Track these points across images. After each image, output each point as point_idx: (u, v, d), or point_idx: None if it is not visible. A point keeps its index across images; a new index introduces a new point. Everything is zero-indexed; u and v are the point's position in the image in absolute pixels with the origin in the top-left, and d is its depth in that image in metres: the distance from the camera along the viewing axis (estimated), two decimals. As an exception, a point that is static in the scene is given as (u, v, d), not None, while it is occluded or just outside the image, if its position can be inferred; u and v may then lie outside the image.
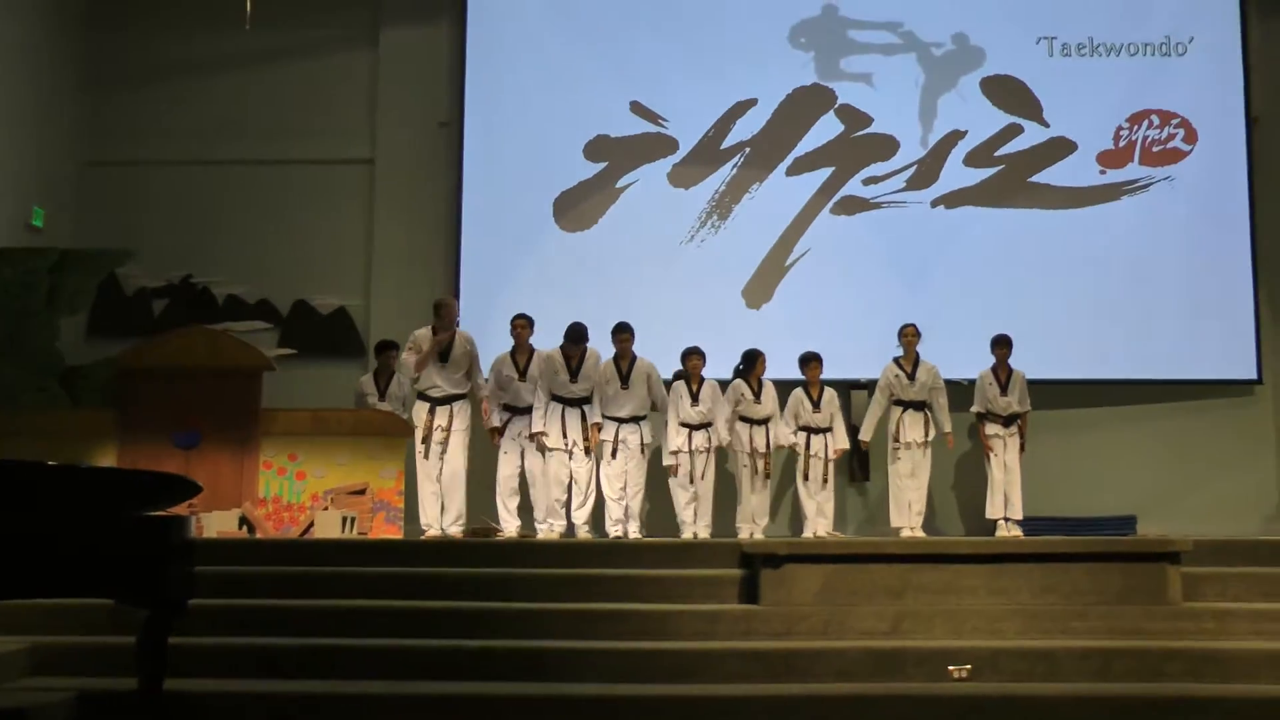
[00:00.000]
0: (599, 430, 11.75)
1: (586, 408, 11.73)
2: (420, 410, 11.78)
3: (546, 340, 11.98)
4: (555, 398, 11.73)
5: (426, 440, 11.68)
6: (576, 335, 11.80)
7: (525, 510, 11.91)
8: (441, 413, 11.72)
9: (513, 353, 11.97)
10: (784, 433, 12.25)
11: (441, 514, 11.66)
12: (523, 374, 11.83)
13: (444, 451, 11.66)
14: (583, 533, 11.70)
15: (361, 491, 11.93)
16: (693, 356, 12.00)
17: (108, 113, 14.57)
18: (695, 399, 11.90)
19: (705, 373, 12.03)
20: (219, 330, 12.89)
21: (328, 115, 14.46)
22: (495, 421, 11.85)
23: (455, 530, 11.57)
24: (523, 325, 11.94)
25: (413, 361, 11.88)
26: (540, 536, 11.56)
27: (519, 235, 14.18)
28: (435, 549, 10.46)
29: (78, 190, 14.37)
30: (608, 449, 11.81)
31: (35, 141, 13.84)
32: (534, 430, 11.69)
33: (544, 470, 11.74)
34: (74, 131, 14.43)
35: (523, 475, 11.88)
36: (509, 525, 11.73)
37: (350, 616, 9.10)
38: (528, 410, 11.77)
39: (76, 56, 14.56)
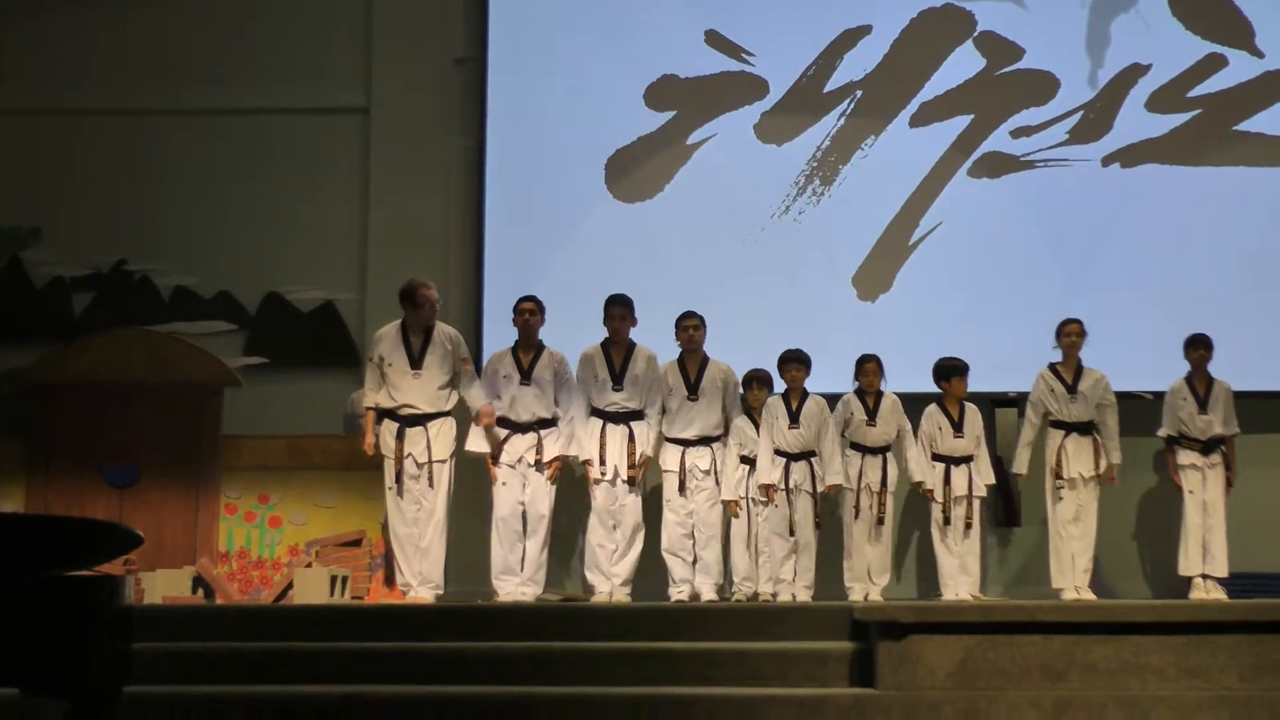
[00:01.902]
0: (645, 462, 11.81)
1: (635, 424, 11.79)
2: (387, 435, 11.57)
3: (583, 342, 12.10)
4: (596, 412, 11.79)
5: (399, 476, 11.46)
6: (614, 298, 11.90)
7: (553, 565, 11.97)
8: (415, 437, 11.50)
9: (514, 347, 11.95)
10: (922, 467, 12.30)
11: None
12: (526, 375, 11.82)
13: (429, 485, 11.48)
14: (620, 595, 11.72)
15: (356, 543, 12.00)
16: (793, 365, 12.01)
17: (9, 49, 14.66)
18: (795, 419, 11.89)
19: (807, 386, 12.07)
20: (164, 333, 12.98)
21: (310, 50, 14.52)
22: (480, 444, 11.75)
23: (426, 596, 11.41)
24: (531, 310, 11.92)
25: (360, 406, 11.78)
26: (502, 597, 11.55)
27: (560, 207, 14.24)
28: (451, 618, 10.50)
29: (-36, 149, 14.52)
30: (672, 483, 11.83)
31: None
32: (581, 456, 11.75)
33: (546, 510, 11.72)
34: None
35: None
36: (505, 585, 11.68)
37: (341, 707, 9.14)
38: (532, 426, 11.78)
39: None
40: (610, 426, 11.78)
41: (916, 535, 13.07)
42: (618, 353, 11.89)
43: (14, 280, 13.95)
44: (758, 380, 12.05)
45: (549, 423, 11.84)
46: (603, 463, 11.72)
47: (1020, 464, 12.56)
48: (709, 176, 14.23)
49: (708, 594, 11.73)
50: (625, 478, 11.73)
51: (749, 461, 11.95)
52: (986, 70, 14.26)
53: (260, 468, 12.15)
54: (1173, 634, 9.31)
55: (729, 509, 11.95)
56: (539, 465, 11.70)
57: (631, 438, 11.75)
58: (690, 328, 11.99)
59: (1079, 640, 9.28)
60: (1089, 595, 12.17)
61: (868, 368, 12.21)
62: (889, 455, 12.16)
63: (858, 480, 12.08)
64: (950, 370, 12.42)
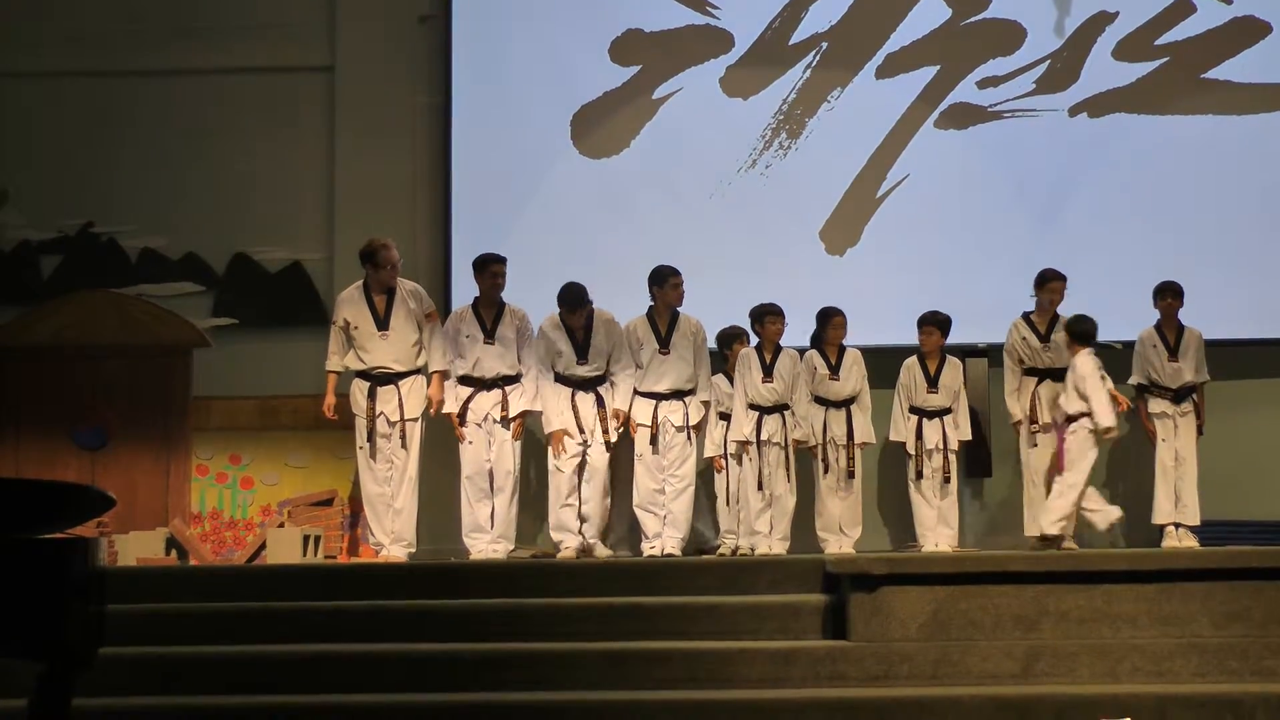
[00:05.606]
0: (619, 419, 11.83)
1: (602, 388, 11.84)
2: (358, 394, 11.61)
3: (550, 297, 12.06)
4: (561, 380, 11.81)
5: (371, 435, 11.50)
6: (574, 297, 11.81)
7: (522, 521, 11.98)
8: (386, 395, 11.54)
9: (476, 305, 11.93)
10: (899, 425, 12.42)
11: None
12: (490, 334, 11.81)
13: (402, 444, 11.53)
14: (600, 550, 11.77)
15: (328, 502, 12.01)
16: (772, 318, 12.00)
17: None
18: (769, 372, 11.91)
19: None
20: (131, 295, 12.95)
21: (273, 8, 14.42)
22: (450, 404, 11.78)
23: (399, 554, 11.47)
24: (501, 271, 11.91)
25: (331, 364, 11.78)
26: (474, 555, 11.59)
27: (526, 163, 14.22)
28: (424, 576, 10.50)
29: (-70, 113, 14.43)
30: (644, 437, 11.87)
31: None
32: (551, 428, 11.73)
33: (512, 466, 11.72)
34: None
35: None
36: (476, 543, 11.69)
37: (315, 666, 9.15)
38: (496, 383, 11.78)
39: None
40: (580, 392, 11.81)
41: (891, 487, 13.08)
42: (576, 324, 11.86)
43: (-19, 245, 13.92)
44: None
45: (512, 379, 11.81)
46: (580, 430, 11.74)
47: (1014, 411, 12.56)
48: (675, 131, 14.21)
49: (671, 547, 11.75)
50: (601, 440, 11.76)
51: (726, 417, 11.99)
52: (953, 20, 14.22)
53: (231, 429, 12.14)
54: (1145, 582, 9.31)
55: (714, 464, 12.06)
56: (504, 422, 11.69)
57: (599, 403, 11.80)
58: (680, 284, 12.01)
59: (1051, 589, 9.28)
60: (1072, 545, 12.17)
61: (834, 321, 12.23)
62: (854, 408, 12.20)
63: (823, 434, 12.13)
64: (926, 321, 12.48)
